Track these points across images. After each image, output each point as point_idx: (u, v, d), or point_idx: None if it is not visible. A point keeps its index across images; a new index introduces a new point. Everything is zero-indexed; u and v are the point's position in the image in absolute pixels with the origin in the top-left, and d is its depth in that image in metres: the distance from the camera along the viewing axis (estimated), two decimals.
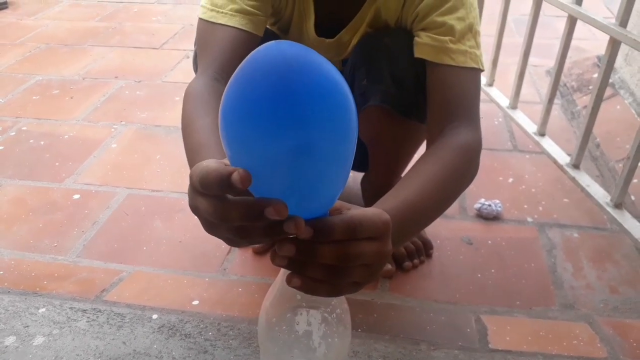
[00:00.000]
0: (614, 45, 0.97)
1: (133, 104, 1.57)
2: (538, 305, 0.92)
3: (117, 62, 1.86)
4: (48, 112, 1.54)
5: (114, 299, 0.89)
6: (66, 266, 0.99)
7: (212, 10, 0.75)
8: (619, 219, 0.98)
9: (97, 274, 0.97)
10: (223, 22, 0.74)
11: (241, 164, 0.37)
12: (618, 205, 1.00)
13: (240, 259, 1.01)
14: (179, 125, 1.47)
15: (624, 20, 0.95)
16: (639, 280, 0.96)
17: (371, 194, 1.02)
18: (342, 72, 0.82)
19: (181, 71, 1.78)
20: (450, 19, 0.72)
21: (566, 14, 1.10)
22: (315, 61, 0.36)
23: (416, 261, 0.98)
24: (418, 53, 0.74)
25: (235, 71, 0.37)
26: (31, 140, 1.40)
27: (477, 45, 0.75)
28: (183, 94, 0.74)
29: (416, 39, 0.74)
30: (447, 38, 0.72)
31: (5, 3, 2.43)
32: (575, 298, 0.93)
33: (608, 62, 0.98)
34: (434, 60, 0.73)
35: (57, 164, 1.31)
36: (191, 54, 1.88)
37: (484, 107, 1.46)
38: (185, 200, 1.16)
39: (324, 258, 0.40)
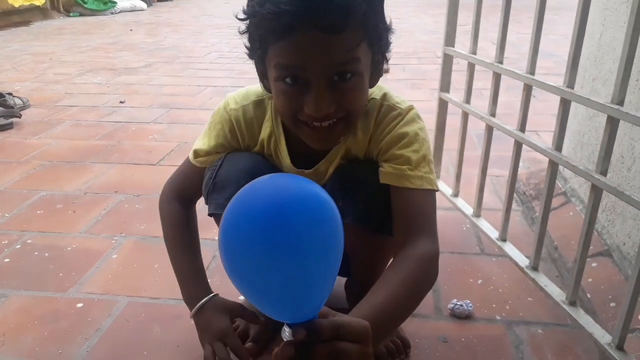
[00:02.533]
0: (552, 166, 1.16)
1: (132, 217, 1.70)
2: None
3: (117, 178, 2.01)
4: (52, 225, 1.66)
5: None
6: None
7: (195, 157, 1.06)
8: (574, 315, 1.10)
9: None
10: (199, 165, 1.05)
11: (240, 285, 0.52)
12: (572, 303, 1.13)
13: None
14: None
15: (558, 145, 1.14)
16: None
17: (354, 294, 1.14)
18: None
19: None
20: (406, 152, 0.91)
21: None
22: (305, 190, 0.53)
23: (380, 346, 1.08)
24: (383, 180, 0.91)
25: (233, 203, 0.55)
26: (36, 253, 1.50)
27: (431, 171, 0.93)
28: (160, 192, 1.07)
29: (380, 168, 0.92)
30: (405, 167, 0.90)
31: (11, 123, 2.63)
32: None
33: (550, 179, 1.16)
34: (396, 184, 0.90)
35: (60, 274, 1.40)
36: None
37: (451, 215, 1.64)
38: (181, 305, 1.25)
39: (317, 355, 0.52)
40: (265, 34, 0.78)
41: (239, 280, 0.55)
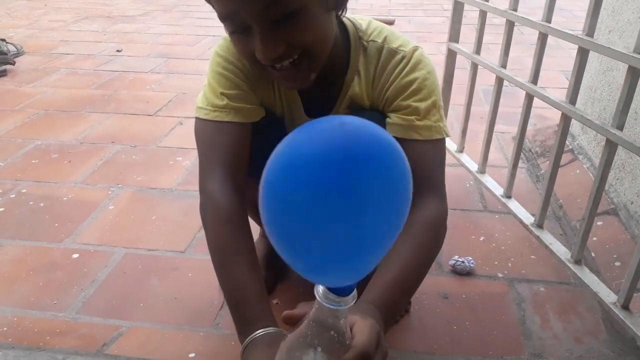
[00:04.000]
0: (565, 120, 1.11)
1: (129, 168, 1.66)
2: (509, 354, 0.99)
3: (114, 128, 1.96)
4: (47, 175, 1.62)
5: (115, 352, 0.95)
6: (67, 322, 1.05)
7: (214, 111, 0.86)
8: (579, 274, 1.08)
9: (97, 329, 1.03)
10: (229, 120, 0.85)
11: (283, 242, 0.48)
12: (578, 262, 1.11)
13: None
14: (174, 187, 1.57)
15: (572, 99, 1.09)
16: (601, 331, 1.05)
17: None
18: None
19: (175, 137, 1.89)
20: (414, 101, 0.84)
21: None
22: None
23: (397, 317, 1.06)
24: (389, 132, 0.85)
25: (287, 145, 0.48)
26: (31, 202, 1.48)
27: (441, 118, 0.87)
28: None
29: (387, 119, 0.86)
30: (413, 117, 0.84)
31: (5, 71, 2.56)
32: (543, 348, 1.01)
33: (561, 134, 1.11)
34: (404, 136, 0.84)
35: (56, 225, 1.37)
36: (184, 121, 2.01)
37: (455, 172, 1.60)
38: (179, 258, 1.23)
39: None
40: None
41: (282, 236, 0.48)
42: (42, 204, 1.47)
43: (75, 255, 1.25)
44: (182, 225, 1.36)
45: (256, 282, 0.78)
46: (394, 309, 0.76)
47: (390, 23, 3.64)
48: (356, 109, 0.91)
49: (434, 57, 1.68)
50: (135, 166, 1.68)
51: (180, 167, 1.65)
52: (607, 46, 0.97)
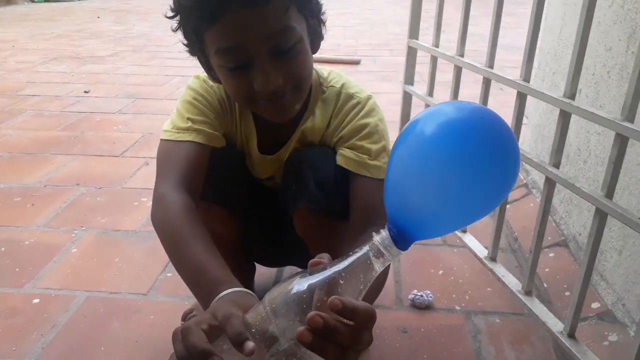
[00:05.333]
0: None
1: (94, 210, 1.67)
2: None
3: (79, 170, 1.97)
4: (9, 219, 1.61)
5: None
6: None
7: (177, 132, 0.91)
8: (529, 305, 1.13)
9: None
10: (190, 139, 0.90)
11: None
12: (528, 293, 1.15)
13: None
14: (137, 229, 1.58)
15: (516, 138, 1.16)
16: (551, 359, 1.09)
17: None
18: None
19: (141, 177, 1.90)
20: (367, 143, 0.92)
21: None
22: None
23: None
24: (343, 163, 0.91)
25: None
26: None
27: None
28: (145, 200, 0.86)
29: (341, 151, 0.93)
30: (365, 156, 0.91)
31: None
32: None
33: None
34: (356, 171, 0.91)
35: (17, 269, 1.36)
36: (150, 162, 2.02)
37: None
38: (141, 300, 1.24)
39: (342, 336, 0.52)
40: (197, 23, 0.79)
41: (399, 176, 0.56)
42: (3, 249, 1.46)
43: (36, 300, 1.24)
44: (145, 267, 1.37)
45: (218, 258, 0.74)
46: None
47: (357, 63, 3.76)
48: (306, 143, 0.97)
49: (398, 96, 1.75)
50: (99, 208, 1.68)
51: (145, 208, 1.66)
52: (540, 90, 1.05)
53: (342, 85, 0.97)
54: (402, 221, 0.56)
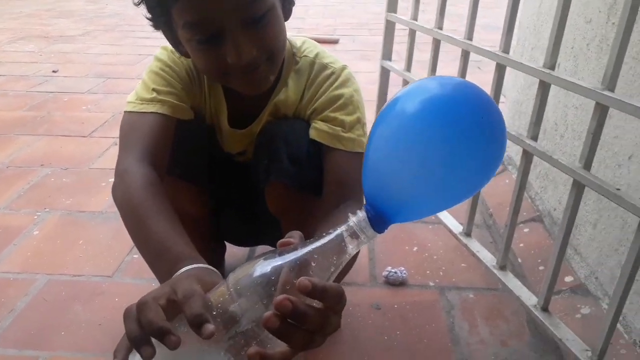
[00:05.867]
0: None
1: (58, 191, 1.60)
2: None
3: (44, 151, 1.89)
4: None
5: None
6: None
7: (141, 103, 0.86)
8: (503, 279, 1.11)
9: None
10: (154, 110, 0.85)
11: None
12: (503, 267, 1.14)
13: None
14: (104, 210, 1.53)
15: None
16: (525, 333, 1.07)
17: None
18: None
19: (109, 158, 1.84)
20: (341, 115, 0.88)
21: None
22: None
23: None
24: (316, 136, 0.87)
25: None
26: None
27: (365, 134, 0.90)
28: (112, 181, 0.80)
29: (314, 124, 0.88)
30: (339, 128, 0.87)
31: None
32: (471, 353, 1.02)
33: None
34: (329, 144, 0.87)
35: None
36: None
37: None
38: (106, 283, 1.19)
39: (311, 320, 0.48)
40: None
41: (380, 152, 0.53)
42: None
43: None
44: (111, 249, 1.32)
45: (182, 234, 0.68)
46: None
47: (335, 42, 3.70)
48: (279, 116, 0.92)
49: (377, 75, 1.70)
50: (64, 189, 1.62)
51: None
52: (519, 61, 1.02)
53: (316, 55, 0.93)
54: (381, 203, 0.52)
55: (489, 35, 2.97)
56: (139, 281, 1.20)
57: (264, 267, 0.50)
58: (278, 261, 0.50)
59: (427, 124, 0.49)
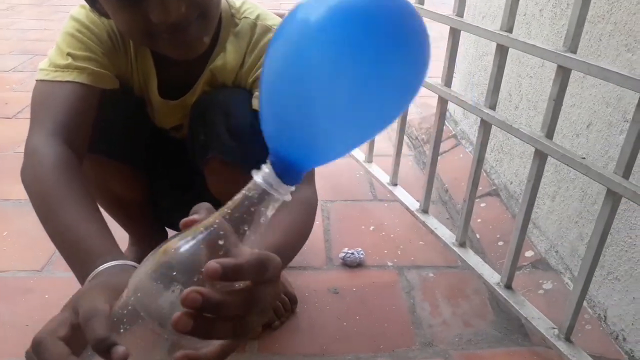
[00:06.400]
0: (442, 103, 1.09)
1: None
2: (400, 347, 0.96)
3: None
4: None
5: None
6: None
7: (55, 71, 0.74)
8: (463, 257, 1.07)
9: None
10: (70, 79, 0.73)
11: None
12: (462, 244, 1.10)
13: None
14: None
15: (447, 81, 1.08)
16: (487, 312, 1.04)
17: None
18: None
19: None
20: None
21: None
22: None
23: (283, 319, 0.99)
24: (257, 105, 0.78)
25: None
26: None
27: None
28: (23, 156, 0.69)
29: (256, 93, 0.79)
30: None
31: None
32: (433, 336, 0.98)
33: (439, 117, 1.10)
34: None
35: None
36: None
37: (345, 162, 1.56)
38: (34, 278, 1.07)
39: (230, 308, 0.39)
40: None
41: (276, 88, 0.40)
42: None
43: None
44: (40, 240, 1.18)
45: (96, 220, 0.61)
46: None
47: (282, 17, 3.58)
48: (217, 85, 0.83)
49: None
50: None
51: None
52: (475, 25, 0.96)
53: (258, 17, 0.83)
54: (286, 148, 0.42)
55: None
56: (72, 275, 1.09)
57: (163, 260, 0.40)
58: (180, 248, 0.40)
59: (331, 38, 0.37)
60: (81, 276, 0.54)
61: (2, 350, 0.91)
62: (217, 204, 0.92)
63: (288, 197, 0.43)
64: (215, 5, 0.72)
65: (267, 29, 0.82)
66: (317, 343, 0.95)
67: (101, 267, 0.52)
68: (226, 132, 0.80)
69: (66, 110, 0.71)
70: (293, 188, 0.42)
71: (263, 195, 0.42)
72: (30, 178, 0.66)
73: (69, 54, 0.74)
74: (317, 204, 0.77)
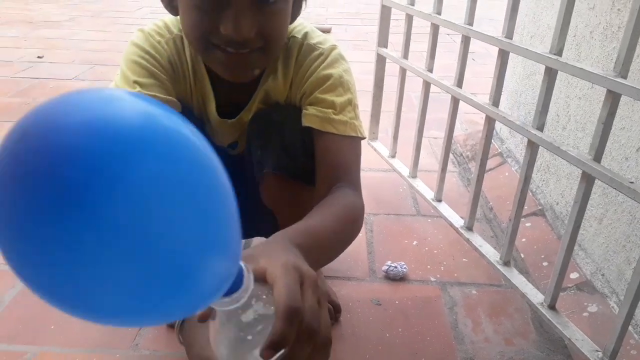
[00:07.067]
0: (489, 122, 1.11)
1: None
2: None
3: None
4: None
5: None
6: None
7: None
8: (507, 275, 1.08)
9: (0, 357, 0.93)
10: None
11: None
12: (507, 263, 1.11)
13: (153, 333, 1.00)
14: None
15: (495, 101, 1.10)
16: (530, 331, 1.05)
17: None
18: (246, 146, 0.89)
19: None
20: (330, 96, 0.84)
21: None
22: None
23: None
24: (306, 122, 0.83)
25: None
26: None
27: (356, 116, 0.86)
28: None
29: (304, 111, 0.85)
30: (330, 110, 0.83)
31: None
32: (475, 352, 1.00)
33: (486, 136, 1.12)
34: (320, 128, 0.83)
35: None
36: None
37: (389, 177, 1.59)
38: None
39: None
40: None
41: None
42: None
43: None
44: None
45: None
46: (311, 254, 0.60)
47: (327, 31, 3.65)
48: (270, 103, 0.88)
49: (369, 65, 1.66)
50: None
51: None
52: (524, 47, 0.98)
53: (305, 35, 0.88)
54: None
55: (489, 28, 2.94)
56: None
57: None
58: None
59: None
60: None
61: (67, 340, 0.98)
62: (270, 213, 0.97)
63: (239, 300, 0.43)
64: (279, 42, 0.78)
65: (312, 48, 0.87)
66: (360, 352, 0.98)
67: None
68: (280, 149, 0.85)
69: None
70: (245, 288, 0.42)
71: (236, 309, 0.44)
72: None
73: (135, 82, 0.79)
74: (363, 209, 0.80)
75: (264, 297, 0.45)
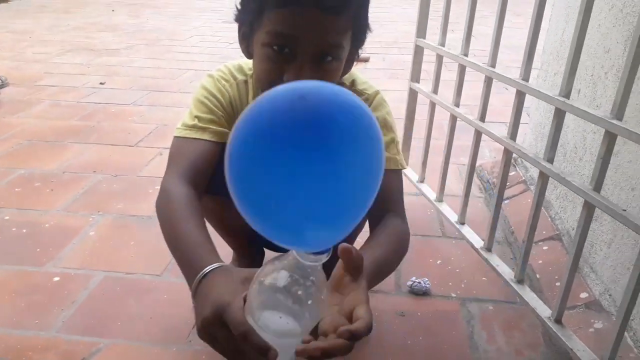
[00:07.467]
0: (507, 153, 1.24)
1: (110, 196, 1.75)
2: None
3: (96, 158, 2.05)
4: (30, 203, 1.70)
5: None
6: (48, 340, 1.12)
7: (185, 129, 0.97)
8: (520, 292, 1.19)
9: (76, 346, 1.10)
10: (195, 137, 0.96)
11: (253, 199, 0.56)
12: (520, 281, 1.22)
13: None
14: (152, 215, 1.67)
15: (513, 134, 1.22)
16: (539, 344, 1.15)
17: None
18: None
19: (155, 167, 1.98)
20: None
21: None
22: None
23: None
24: None
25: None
26: (13, 229, 1.55)
27: (398, 152, 1.02)
28: (159, 188, 0.90)
29: None
30: None
31: None
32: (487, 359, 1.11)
33: (504, 165, 1.24)
34: None
35: (38, 250, 1.45)
36: (164, 152, 2.10)
37: (418, 200, 1.72)
38: (155, 280, 1.31)
39: None
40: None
41: (253, 191, 0.55)
42: (24, 230, 1.54)
43: (56, 279, 1.33)
44: (159, 251, 1.44)
45: (204, 237, 0.79)
46: (375, 279, 0.82)
47: (366, 60, 3.82)
48: None
49: (405, 94, 1.81)
50: (115, 194, 1.76)
51: None
52: (537, 89, 1.11)
53: (352, 82, 1.03)
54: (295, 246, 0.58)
55: (517, 56, 3.04)
56: (184, 281, 1.32)
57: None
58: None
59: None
60: (188, 275, 0.73)
61: (134, 335, 1.14)
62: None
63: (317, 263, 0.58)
64: None
65: (359, 93, 1.01)
66: (384, 357, 1.11)
67: (210, 267, 0.69)
68: None
69: (191, 160, 0.94)
70: (328, 254, 0.57)
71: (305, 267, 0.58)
72: (162, 207, 0.88)
73: (195, 117, 0.98)
74: (408, 236, 0.96)
75: (319, 282, 0.59)
